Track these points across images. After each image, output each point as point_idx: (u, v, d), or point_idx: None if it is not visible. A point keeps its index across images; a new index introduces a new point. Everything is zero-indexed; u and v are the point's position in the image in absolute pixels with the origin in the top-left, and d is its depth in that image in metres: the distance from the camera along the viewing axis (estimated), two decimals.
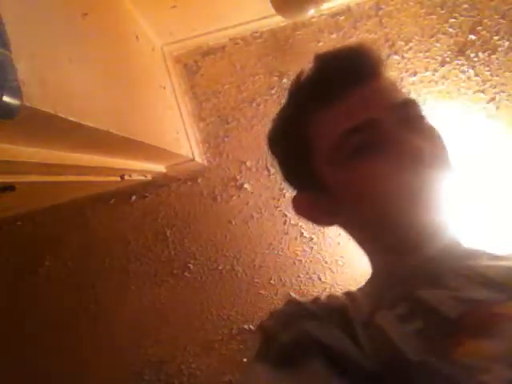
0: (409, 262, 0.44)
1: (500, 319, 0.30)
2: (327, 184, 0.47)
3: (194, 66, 1.24)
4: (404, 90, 0.48)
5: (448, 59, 1.19)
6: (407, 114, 0.44)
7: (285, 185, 1.22)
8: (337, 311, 0.41)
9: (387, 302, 0.40)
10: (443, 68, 1.19)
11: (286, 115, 0.51)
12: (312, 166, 0.47)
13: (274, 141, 0.54)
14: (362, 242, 0.51)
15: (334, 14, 1.20)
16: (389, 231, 0.45)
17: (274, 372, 0.34)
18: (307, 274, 1.25)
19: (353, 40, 1.20)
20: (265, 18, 1.16)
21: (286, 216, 1.24)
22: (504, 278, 0.38)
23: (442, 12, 1.19)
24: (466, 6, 1.18)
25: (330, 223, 0.52)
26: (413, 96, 0.47)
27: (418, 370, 0.33)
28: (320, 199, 0.49)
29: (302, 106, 0.47)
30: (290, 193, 1.23)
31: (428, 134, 0.45)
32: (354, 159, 0.43)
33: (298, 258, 1.25)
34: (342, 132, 0.43)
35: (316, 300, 0.44)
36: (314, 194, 0.49)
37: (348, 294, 0.45)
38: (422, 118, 0.46)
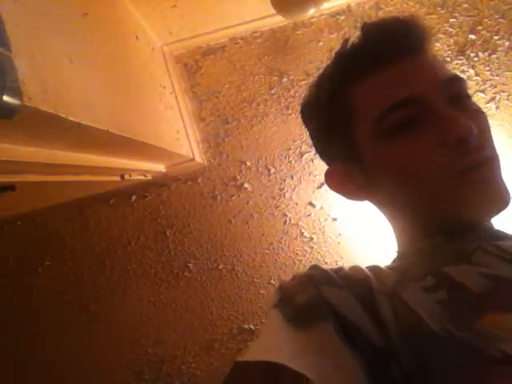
0: (438, 241, 0.43)
1: None
2: (366, 157, 0.45)
3: (194, 65, 1.24)
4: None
5: (448, 59, 1.19)
6: (454, 92, 0.43)
7: (285, 184, 1.22)
8: (359, 282, 0.40)
9: (413, 277, 0.39)
10: None
11: (330, 81, 0.48)
12: (353, 135, 0.46)
13: (312, 108, 0.51)
14: (394, 218, 0.50)
15: (334, 14, 1.20)
16: (423, 212, 0.44)
17: (287, 325, 0.35)
18: None
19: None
20: (265, 17, 1.16)
21: (286, 216, 1.24)
22: None
23: (442, 12, 1.19)
24: (466, 5, 1.18)
25: (362, 198, 0.51)
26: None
27: (438, 338, 0.32)
28: (355, 172, 0.48)
29: (350, 72, 0.45)
30: (289, 193, 1.23)
31: (475, 115, 0.43)
32: (398, 133, 0.42)
33: (298, 257, 1.25)
34: (387, 105, 0.42)
35: (340, 269, 0.43)
36: (349, 167, 0.48)
37: (373, 267, 0.44)
38: (468, 97, 0.44)
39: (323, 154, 0.54)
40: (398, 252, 0.50)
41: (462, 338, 0.32)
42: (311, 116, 0.52)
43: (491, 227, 0.46)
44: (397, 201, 0.47)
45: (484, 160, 0.41)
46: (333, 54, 0.48)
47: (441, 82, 0.42)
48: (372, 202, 0.51)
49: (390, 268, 0.44)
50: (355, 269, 0.43)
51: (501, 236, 0.44)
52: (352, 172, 0.48)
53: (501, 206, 0.41)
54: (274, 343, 0.33)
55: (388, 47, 0.43)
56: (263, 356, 0.31)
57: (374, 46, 0.44)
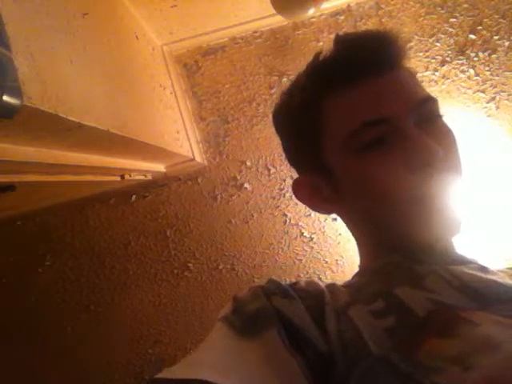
0: (395, 260, 0.44)
1: (464, 322, 0.30)
2: (334, 170, 0.45)
3: (194, 65, 1.24)
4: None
5: (448, 59, 1.19)
6: (426, 113, 0.43)
7: (285, 184, 1.22)
8: (312, 295, 0.41)
9: (365, 297, 0.40)
10: (443, 68, 1.19)
11: (301, 91, 0.47)
12: (322, 149, 0.46)
13: (283, 116, 0.51)
14: (356, 233, 0.51)
15: (334, 14, 1.20)
16: (384, 230, 0.45)
17: (232, 335, 0.35)
18: (307, 273, 1.25)
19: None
20: (265, 17, 1.16)
21: (285, 216, 1.24)
22: (482, 289, 0.38)
23: (442, 12, 1.19)
24: (466, 5, 1.18)
25: (329, 211, 0.51)
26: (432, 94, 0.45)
27: (378, 364, 0.33)
28: (323, 185, 0.48)
29: (321, 85, 0.44)
30: (289, 193, 1.23)
31: (443, 136, 0.43)
32: (367, 151, 0.42)
33: (298, 257, 1.25)
34: (358, 123, 0.42)
35: (296, 283, 0.43)
36: (317, 179, 0.48)
37: (330, 284, 0.45)
38: (439, 118, 0.45)
39: (292, 162, 0.53)
40: (359, 268, 0.50)
41: (400, 368, 0.32)
42: (282, 124, 0.52)
43: (451, 251, 0.46)
44: (361, 216, 0.48)
45: (444, 186, 0.41)
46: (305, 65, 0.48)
47: (413, 104, 0.42)
48: (338, 215, 0.51)
49: (346, 285, 0.45)
50: (311, 283, 0.44)
51: (458, 260, 0.44)
52: (319, 184, 0.48)
53: (453, 231, 0.43)
54: (210, 357, 0.33)
55: (361, 62, 0.42)
56: (192, 372, 0.30)
57: (347, 60, 0.43)
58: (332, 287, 0.44)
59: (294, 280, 0.46)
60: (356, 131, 0.42)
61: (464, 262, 0.44)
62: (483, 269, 0.42)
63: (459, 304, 0.36)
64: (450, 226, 0.42)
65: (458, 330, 0.30)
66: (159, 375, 0.30)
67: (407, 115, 0.42)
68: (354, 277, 0.49)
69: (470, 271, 0.41)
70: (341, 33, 0.46)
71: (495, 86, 1.18)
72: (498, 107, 1.18)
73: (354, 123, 0.42)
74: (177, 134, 1.03)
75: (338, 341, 0.36)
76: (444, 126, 0.45)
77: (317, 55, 0.46)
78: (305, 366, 0.33)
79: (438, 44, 1.19)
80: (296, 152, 0.51)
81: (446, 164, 0.41)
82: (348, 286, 0.45)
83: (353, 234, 0.51)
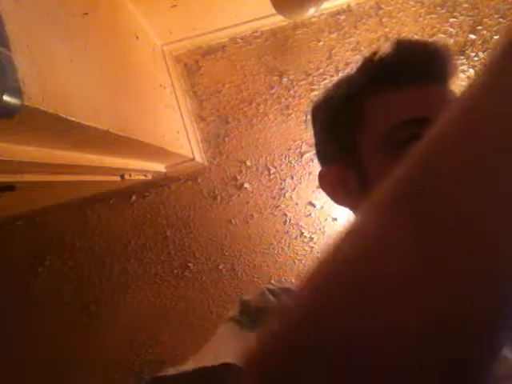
0: None
1: None
2: (366, 166, 0.46)
3: (194, 65, 1.24)
4: None
5: None
6: None
7: (285, 184, 1.22)
8: None
9: None
10: None
11: (349, 84, 0.49)
12: (359, 143, 0.46)
13: (324, 106, 0.52)
14: None
15: (335, 14, 1.20)
16: None
17: (242, 332, 0.36)
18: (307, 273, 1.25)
19: (353, 40, 1.20)
20: (265, 17, 1.15)
21: (285, 216, 1.24)
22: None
23: (442, 11, 1.19)
24: (466, 5, 1.18)
25: (351, 205, 0.51)
26: None
27: None
28: (350, 178, 0.48)
29: (370, 80, 0.46)
30: (289, 193, 1.23)
31: None
32: (400, 151, 0.42)
33: (298, 257, 1.25)
34: (398, 121, 0.43)
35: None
36: (345, 171, 0.48)
37: None
38: None
39: (322, 153, 0.54)
40: None
41: None
42: (321, 114, 0.53)
43: None
44: None
45: None
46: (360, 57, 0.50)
47: None
48: (356, 212, 0.51)
49: None
50: None
51: None
52: (347, 177, 0.48)
53: None
54: (226, 349, 0.33)
55: (412, 68, 0.44)
56: (214, 360, 0.31)
57: (399, 63, 0.45)
58: None
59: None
60: (393, 128, 0.43)
61: None
62: None
63: None
64: None
65: None
66: (179, 368, 0.31)
67: None
68: None
69: None
70: (401, 38, 0.48)
71: None
72: None
73: (393, 121, 0.43)
74: (177, 134, 1.03)
75: None
76: None
77: (373, 53, 0.47)
78: None
79: None
80: (329, 142, 0.52)
81: None
82: None
83: None
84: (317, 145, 0.55)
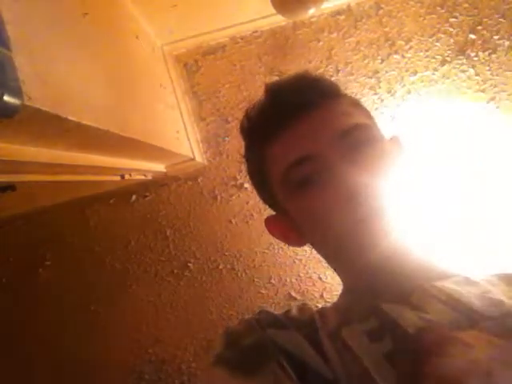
0: (372, 279, 0.44)
1: (455, 342, 0.30)
2: (288, 210, 0.48)
3: (194, 65, 1.24)
4: (362, 111, 0.50)
5: (448, 58, 1.19)
6: (353, 141, 0.44)
7: None
8: (306, 323, 0.41)
9: (356, 315, 0.40)
10: (443, 67, 1.19)
11: (246, 141, 0.53)
12: (274, 192, 0.49)
13: (247, 164, 0.55)
14: (327, 260, 0.52)
15: (335, 14, 1.20)
16: (342, 255, 0.46)
17: (231, 376, 0.35)
18: (307, 273, 1.25)
19: (353, 40, 1.20)
20: (265, 17, 1.15)
21: None
22: (469, 304, 0.37)
23: (442, 11, 1.19)
24: (466, 5, 1.18)
25: (300, 243, 0.53)
26: (366, 120, 0.48)
27: None
28: (288, 222, 0.50)
29: (259, 135, 0.49)
30: None
31: (371, 162, 0.43)
32: (299, 190, 0.44)
33: (298, 257, 1.25)
34: (286, 166, 0.44)
35: (287, 312, 0.45)
36: (283, 217, 0.50)
37: (320, 308, 0.46)
38: (369, 143, 0.45)
39: (264, 202, 0.56)
40: (343, 287, 0.51)
41: None
42: (248, 171, 0.56)
43: (434, 266, 0.46)
44: (320, 245, 0.50)
45: (374, 211, 0.42)
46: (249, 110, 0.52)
47: (337, 136, 0.44)
48: (310, 245, 0.53)
49: (335, 306, 0.46)
50: (303, 310, 0.45)
51: (443, 275, 0.44)
52: (287, 223, 0.50)
53: (399, 247, 0.43)
54: None
55: (286, 107, 0.45)
56: None
57: (273, 108, 0.47)
58: (322, 311, 0.45)
59: (286, 308, 0.47)
60: (285, 173, 0.45)
61: (449, 275, 0.44)
62: (468, 281, 0.42)
63: (450, 321, 0.36)
64: (392, 243, 0.42)
65: (451, 351, 0.30)
66: None
67: (331, 149, 0.43)
68: (338, 297, 0.50)
69: (456, 286, 0.41)
70: (269, 82, 0.50)
71: (495, 86, 1.18)
72: (498, 107, 1.18)
73: (282, 168, 0.45)
74: (177, 134, 1.03)
75: (342, 369, 0.36)
76: (374, 151, 0.45)
77: (247, 110, 0.51)
78: None
79: (437, 44, 1.19)
80: (261, 196, 0.55)
81: (371, 195, 0.41)
82: (337, 306, 0.46)
83: (325, 260, 0.52)
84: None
